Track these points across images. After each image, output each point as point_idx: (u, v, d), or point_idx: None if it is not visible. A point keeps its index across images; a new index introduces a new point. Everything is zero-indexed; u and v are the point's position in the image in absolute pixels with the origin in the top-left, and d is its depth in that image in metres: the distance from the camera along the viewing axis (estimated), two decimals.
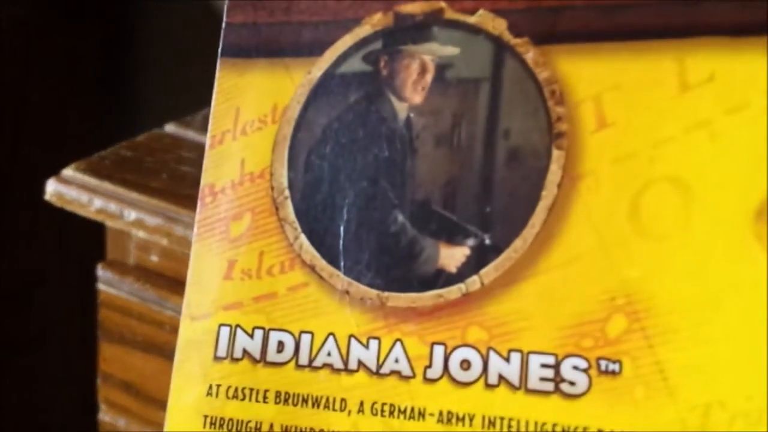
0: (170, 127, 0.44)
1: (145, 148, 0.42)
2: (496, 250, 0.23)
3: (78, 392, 0.54)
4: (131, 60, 0.79)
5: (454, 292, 0.23)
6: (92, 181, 0.39)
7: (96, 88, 0.77)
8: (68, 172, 0.40)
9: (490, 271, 0.23)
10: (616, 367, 0.21)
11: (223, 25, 0.26)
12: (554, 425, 0.21)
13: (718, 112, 0.21)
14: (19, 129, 0.70)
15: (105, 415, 0.43)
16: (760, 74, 0.21)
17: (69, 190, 0.39)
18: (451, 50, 0.24)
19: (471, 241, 0.23)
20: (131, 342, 0.41)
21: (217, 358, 0.24)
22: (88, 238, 0.44)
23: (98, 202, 0.39)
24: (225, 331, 0.24)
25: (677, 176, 0.21)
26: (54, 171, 0.40)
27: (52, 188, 0.40)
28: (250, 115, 0.25)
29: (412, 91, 0.24)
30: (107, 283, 0.41)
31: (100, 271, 0.41)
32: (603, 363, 0.21)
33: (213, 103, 0.26)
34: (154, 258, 0.40)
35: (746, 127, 0.21)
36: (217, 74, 0.26)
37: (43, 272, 0.72)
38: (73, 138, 0.70)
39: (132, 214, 0.38)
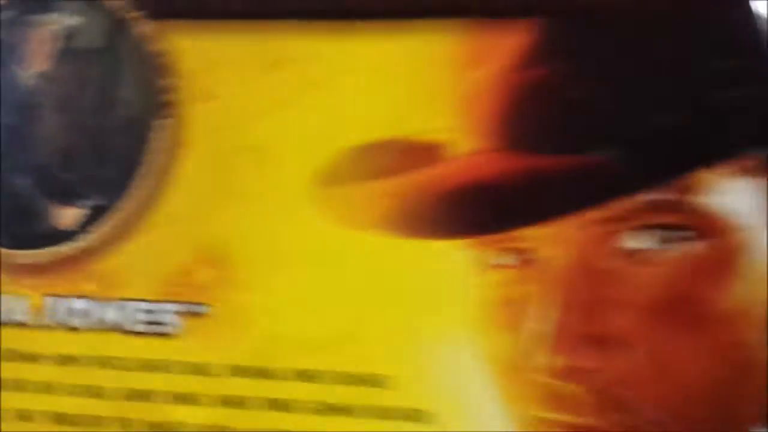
0: None
1: None
2: (107, 210, 0.26)
3: None
4: None
5: (69, 248, 0.26)
6: None
7: None
8: None
9: (101, 229, 0.26)
10: (202, 309, 0.25)
11: None
12: (150, 360, 0.25)
13: (296, 89, 0.25)
14: None
15: None
16: (333, 56, 0.25)
17: None
18: (72, 20, 0.26)
19: (86, 202, 0.26)
20: None
21: None
22: None
23: None
24: None
25: (259, 145, 0.25)
26: None
27: None
28: None
29: (34, 59, 0.26)
30: None
31: None
32: (193, 306, 0.25)
33: None
34: None
35: (316, 103, 0.25)
36: None
37: None
38: None
39: None
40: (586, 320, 0.22)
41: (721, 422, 0.22)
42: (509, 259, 0.23)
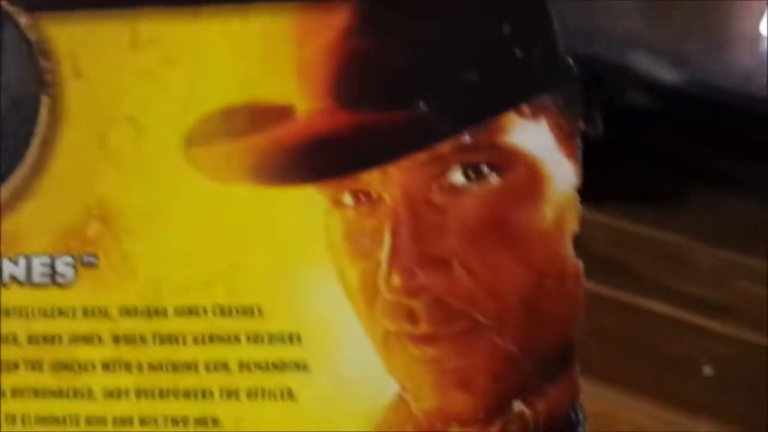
0: None
1: None
2: (5, 178, 0.29)
3: None
4: None
5: None
6: None
7: None
8: None
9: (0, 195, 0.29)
10: (93, 260, 0.29)
11: None
12: (53, 307, 0.29)
13: (158, 64, 0.29)
14: None
15: None
16: (188, 36, 0.28)
17: None
18: None
19: None
20: None
21: None
22: None
23: None
24: None
25: (132, 115, 0.29)
26: None
27: None
28: None
29: None
30: None
31: None
32: (85, 257, 0.29)
33: None
34: None
35: (178, 75, 0.29)
36: None
37: None
38: None
39: None
40: (417, 246, 0.27)
41: (541, 323, 0.27)
42: (352, 199, 0.27)
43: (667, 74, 0.57)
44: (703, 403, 0.49)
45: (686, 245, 0.57)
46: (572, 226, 0.26)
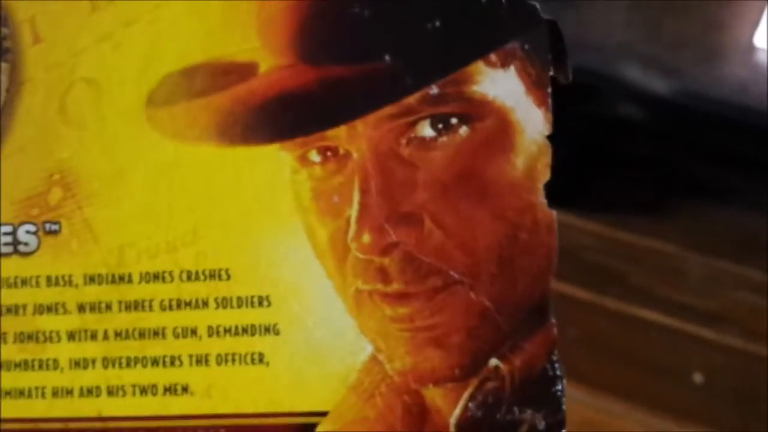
0: None
1: None
2: None
3: None
4: None
5: None
6: None
7: None
8: None
9: None
10: (56, 227, 0.28)
11: None
12: (16, 277, 0.28)
13: (118, 26, 0.28)
14: None
15: None
16: None
17: None
18: None
19: None
20: None
21: None
22: None
23: None
24: None
25: (91, 77, 0.28)
26: None
27: None
28: None
29: None
30: None
31: None
32: (47, 225, 0.28)
33: None
34: None
35: (138, 36, 0.28)
36: None
37: None
38: None
39: None
40: (387, 202, 0.26)
41: (516, 277, 0.26)
42: (319, 157, 0.26)
43: (658, 85, 0.57)
44: (693, 409, 0.50)
45: (679, 255, 0.57)
46: (544, 175, 0.26)
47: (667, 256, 0.56)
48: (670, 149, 0.59)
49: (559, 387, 0.26)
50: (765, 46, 0.55)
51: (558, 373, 0.26)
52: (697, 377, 0.51)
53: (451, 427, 0.26)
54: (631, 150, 0.57)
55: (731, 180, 0.59)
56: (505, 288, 0.26)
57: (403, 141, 0.26)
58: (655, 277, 0.55)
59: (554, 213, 0.26)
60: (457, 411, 0.26)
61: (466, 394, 0.26)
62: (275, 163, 0.27)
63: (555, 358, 0.26)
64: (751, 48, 0.53)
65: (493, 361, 0.26)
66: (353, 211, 0.26)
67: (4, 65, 0.28)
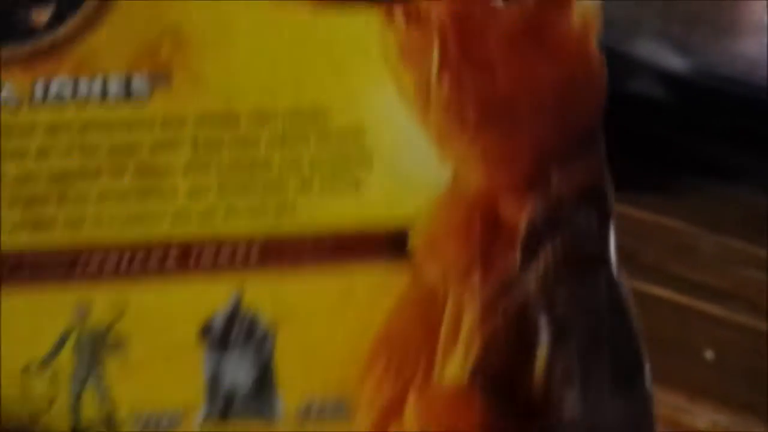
0: None
1: None
2: (76, 4, 0.32)
3: None
4: None
5: (46, 41, 0.32)
6: None
7: None
8: None
9: (73, 21, 0.32)
10: (168, 78, 0.32)
11: None
12: (131, 120, 0.31)
13: None
14: None
15: None
16: None
17: None
18: None
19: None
20: None
21: None
22: None
23: None
24: None
25: None
26: None
27: None
28: None
29: None
30: None
31: None
32: (159, 75, 0.32)
33: None
34: None
35: None
36: None
37: None
38: None
39: None
40: (463, 55, 0.32)
41: (572, 110, 0.32)
42: (404, 19, 0.32)
43: (672, 62, 0.56)
44: (704, 386, 0.49)
45: (690, 233, 0.55)
46: (596, 28, 0.32)
47: (677, 233, 0.55)
48: (681, 126, 0.58)
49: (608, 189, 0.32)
50: None
51: (609, 191, 0.32)
52: (708, 354, 0.50)
53: (521, 231, 0.31)
54: (642, 127, 0.57)
55: (743, 158, 0.58)
56: (563, 118, 0.32)
57: (478, 9, 0.32)
58: (665, 255, 0.55)
59: (604, 57, 0.32)
60: (526, 216, 0.31)
61: (532, 201, 0.31)
62: (365, 23, 0.32)
63: (607, 176, 0.32)
64: (765, 25, 0.53)
65: (555, 176, 0.32)
66: (434, 63, 0.31)
67: None
